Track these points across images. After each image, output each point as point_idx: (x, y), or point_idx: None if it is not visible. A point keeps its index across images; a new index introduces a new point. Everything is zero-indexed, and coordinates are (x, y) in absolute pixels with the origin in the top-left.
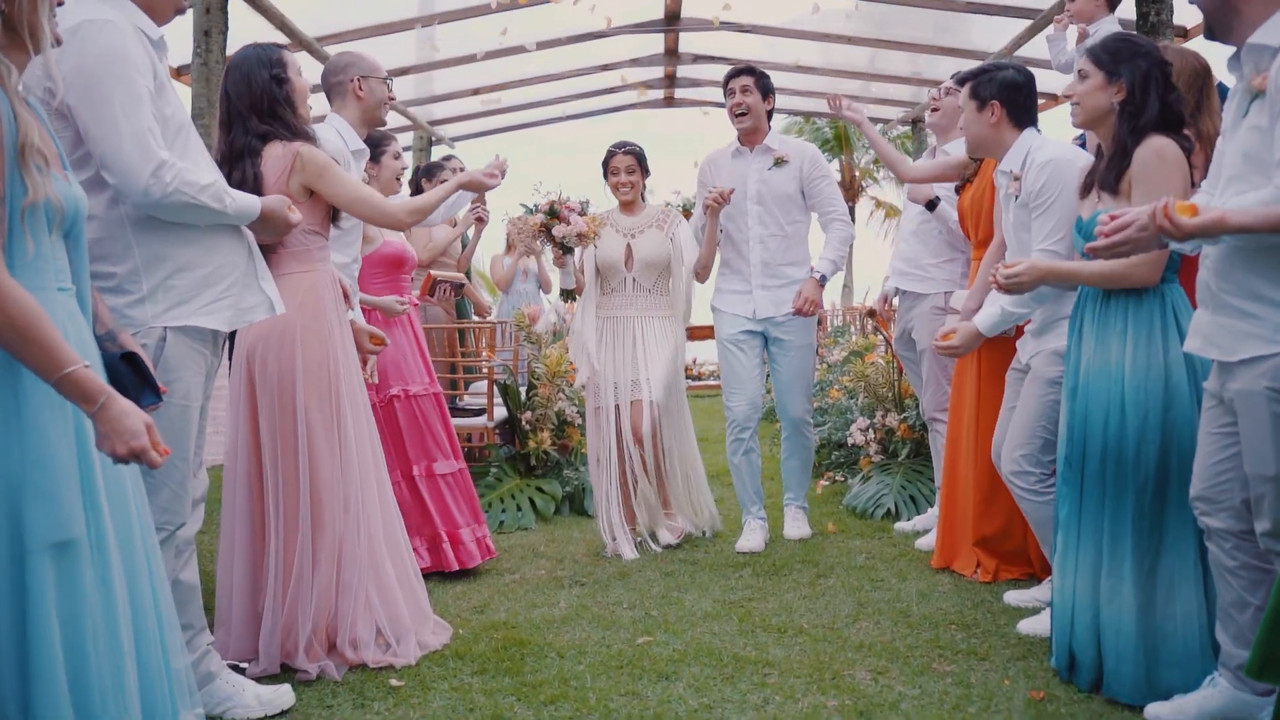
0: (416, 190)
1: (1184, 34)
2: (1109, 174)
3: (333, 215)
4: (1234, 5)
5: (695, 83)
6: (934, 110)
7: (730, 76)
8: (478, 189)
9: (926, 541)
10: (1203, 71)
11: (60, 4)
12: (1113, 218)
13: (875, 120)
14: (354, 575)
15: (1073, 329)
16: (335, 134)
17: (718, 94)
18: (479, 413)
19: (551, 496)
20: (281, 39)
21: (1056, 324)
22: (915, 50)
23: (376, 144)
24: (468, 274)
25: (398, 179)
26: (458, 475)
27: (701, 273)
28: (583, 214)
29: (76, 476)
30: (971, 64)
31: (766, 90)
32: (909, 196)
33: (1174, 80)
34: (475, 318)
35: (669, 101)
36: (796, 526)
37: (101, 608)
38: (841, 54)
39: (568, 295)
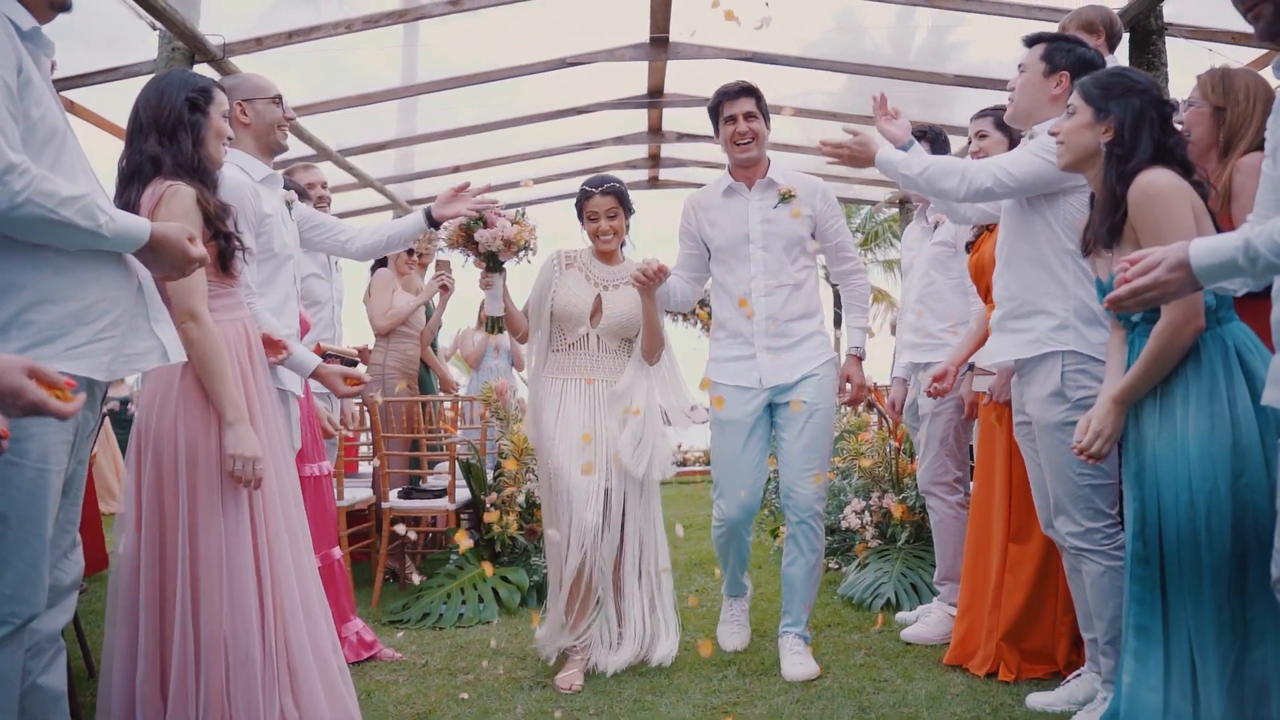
0: (380, 261)
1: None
2: (1103, 229)
3: (224, 265)
4: None
5: (680, 163)
6: (976, 153)
7: (725, 99)
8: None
9: (915, 632)
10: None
11: None
12: (1132, 262)
13: (862, 202)
14: (253, 678)
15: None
16: (236, 168)
17: (704, 175)
18: (440, 494)
19: (517, 586)
20: None
21: (1038, 361)
22: None
23: (301, 193)
24: (433, 345)
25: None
26: (341, 565)
27: (648, 358)
28: (515, 222)
29: None
30: (958, 139)
31: (768, 115)
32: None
33: (1243, 107)
34: (441, 394)
35: (653, 182)
36: (798, 663)
37: None
38: (825, 132)
39: (494, 325)
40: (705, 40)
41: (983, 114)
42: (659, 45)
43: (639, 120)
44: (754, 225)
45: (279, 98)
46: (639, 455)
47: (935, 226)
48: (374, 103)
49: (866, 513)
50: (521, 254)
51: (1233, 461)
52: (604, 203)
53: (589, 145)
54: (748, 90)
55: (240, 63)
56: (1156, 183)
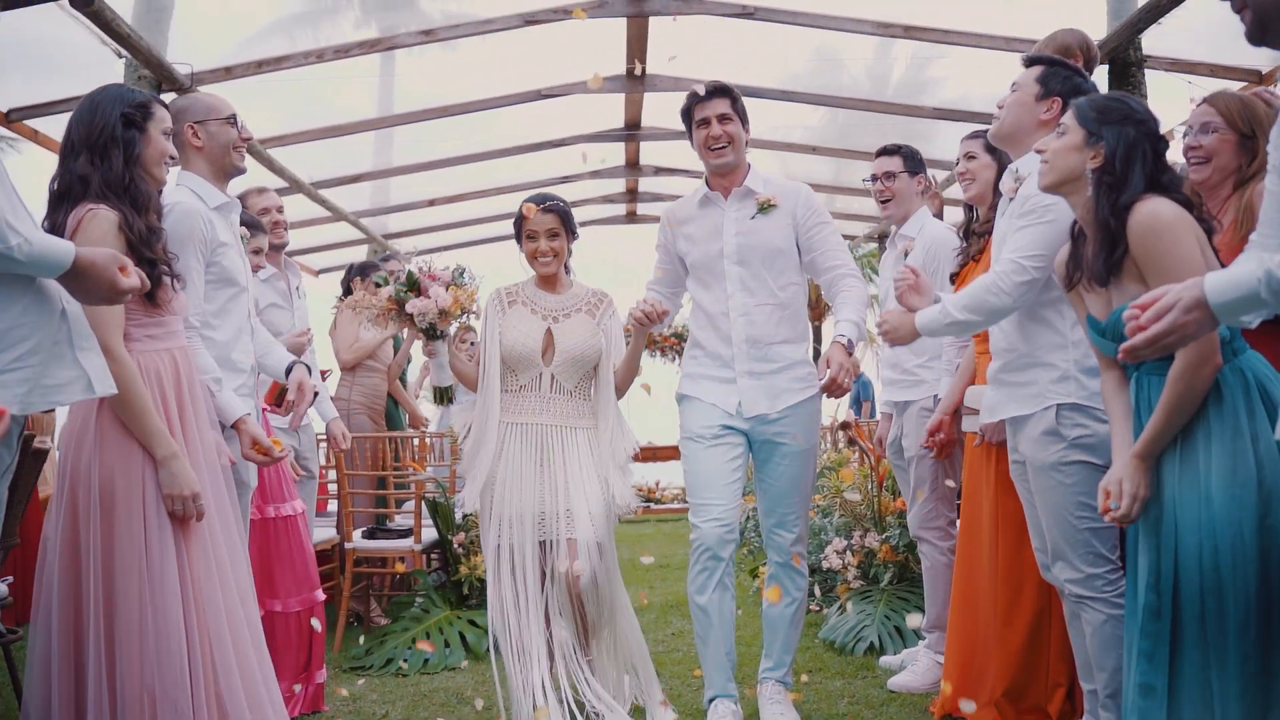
0: (348, 291)
1: (1258, 78)
2: (1099, 264)
3: (149, 292)
4: None
5: (658, 197)
6: (968, 180)
7: (697, 101)
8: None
9: (902, 681)
10: None
11: None
12: (1143, 307)
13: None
14: None
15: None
16: (190, 194)
17: None
18: (405, 534)
19: (485, 630)
20: None
21: (1023, 385)
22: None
23: (253, 225)
24: (402, 379)
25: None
26: (321, 609)
27: (620, 390)
28: (452, 287)
29: None
30: (940, 173)
31: (745, 117)
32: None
33: (1259, 128)
34: (410, 429)
35: (631, 217)
36: (778, 713)
37: None
38: (804, 166)
39: (443, 395)
40: (683, 72)
41: (974, 135)
42: (635, 79)
43: (616, 152)
44: (729, 238)
45: (233, 118)
46: (607, 516)
47: (905, 255)
48: (347, 134)
49: (849, 552)
50: (462, 317)
51: (1258, 504)
52: (544, 221)
53: (566, 179)
54: (721, 90)
55: (209, 91)
56: (1161, 215)
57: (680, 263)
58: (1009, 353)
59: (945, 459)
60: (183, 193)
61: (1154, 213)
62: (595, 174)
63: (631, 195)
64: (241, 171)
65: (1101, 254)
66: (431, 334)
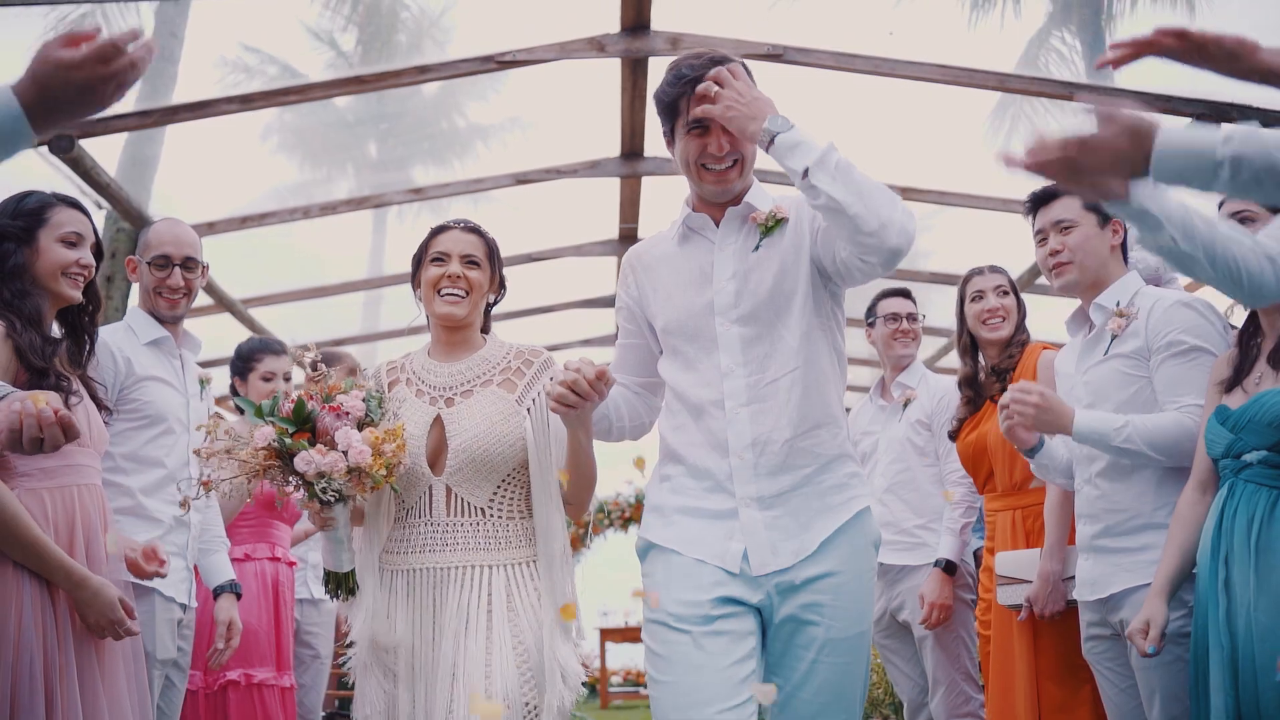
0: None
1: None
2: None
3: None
4: None
5: None
6: (999, 318)
7: (689, 79)
8: None
9: None
10: None
11: None
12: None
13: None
14: None
15: (1213, 565)
16: (125, 329)
17: None
18: None
19: None
20: (204, 299)
21: (1136, 552)
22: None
23: (246, 358)
24: None
25: None
26: None
27: (574, 510)
28: (367, 424)
29: None
30: (937, 340)
31: None
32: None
33: None
34: None
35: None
36: None
37: None
38: None
39: (339, 585)
40: None
41: (995, 269)
42: (628, 241)
43: (607, 320)
44: (724, 283)
45: (163, 259)
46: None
47: (905, 404)
48: (333, 295)
49: None
50: (381, 481)
51: None
52: (461, 242)
53: (555, 348)
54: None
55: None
56: None
57: (652, 332)
58: (1116, 514)
59: (962, 633)
60: (112, 330)
61: None
62: (586, 342)
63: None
64: (172, 319)
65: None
66: (325, 499)
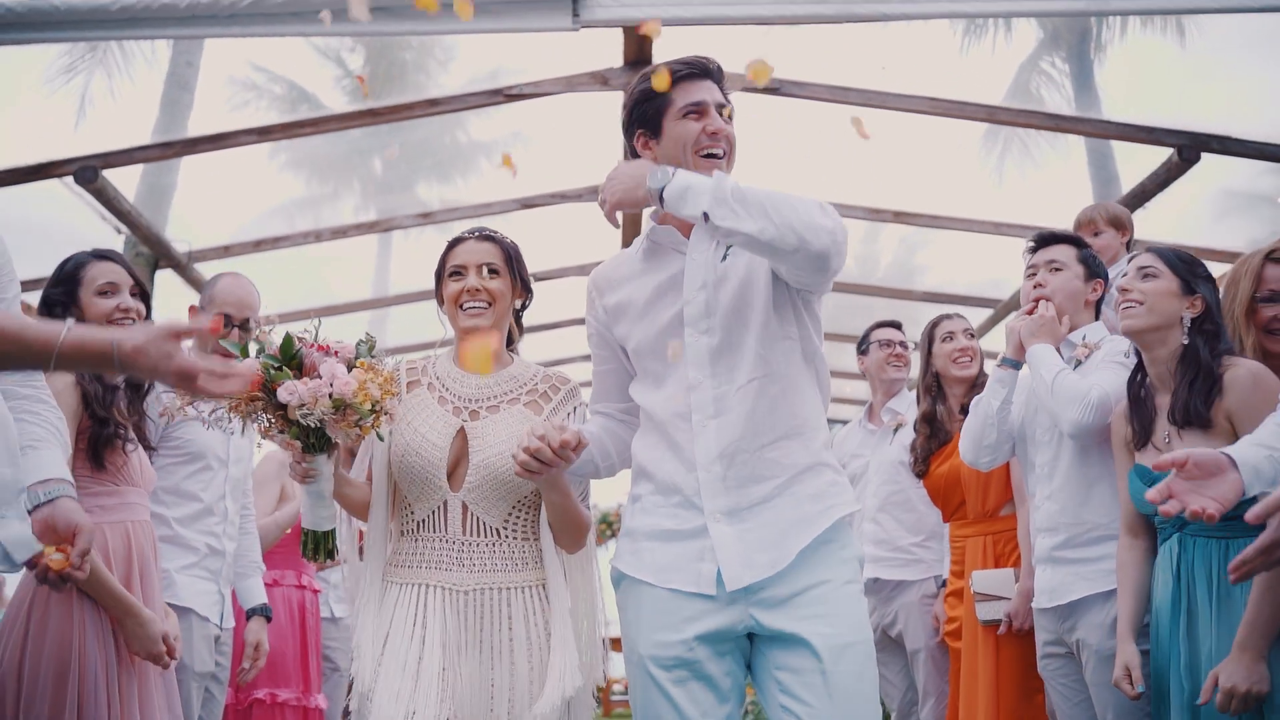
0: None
1: None
2: (1198, 405)
3: (95, 454)
4: None
5: None
6: (968, 359)
7: (686, 76)
8: None
9: None
10: None
11: None
12: (1201, 467)
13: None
14: None
15: (1174, 618)
16: None
17: None
18: None
19: None
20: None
21: (1094, 561)
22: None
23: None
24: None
25: None
26: None
27: (567, 547)
28: (360, 362)
29: None
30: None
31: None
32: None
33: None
34: None
35: None
36: None
37: None
38: None
39: (317, 547)
40: None
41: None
42: None
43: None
44: (693, 293)
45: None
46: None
47: (896, 429)
48: (341, 314)
49: None
50: (370, 419)
51: None
52: (478, 250)
53: (559, 362)
54: (706, 72)
55: (206, 269)
56: (1265, 376)
57: (626, 355)
58: (1073, 526)
59: (938, 653)
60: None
61: (1258, 372)
62: (588, 357)
63: None
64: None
65: (1199, 393)
66: (310, 442)
